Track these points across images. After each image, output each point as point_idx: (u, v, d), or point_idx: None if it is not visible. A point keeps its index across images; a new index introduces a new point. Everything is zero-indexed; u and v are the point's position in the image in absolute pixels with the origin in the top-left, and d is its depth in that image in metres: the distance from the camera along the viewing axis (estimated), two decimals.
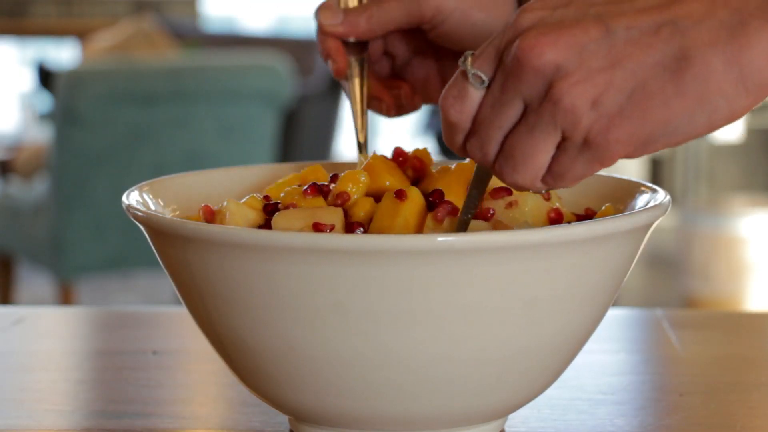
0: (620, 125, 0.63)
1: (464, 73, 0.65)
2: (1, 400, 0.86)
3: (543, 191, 0.67)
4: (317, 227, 0.70)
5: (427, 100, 0.90)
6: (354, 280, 0.65)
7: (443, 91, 0.66)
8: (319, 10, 0.86)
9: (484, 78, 0.65)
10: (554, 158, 0.65)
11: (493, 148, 0.66)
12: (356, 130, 0.85)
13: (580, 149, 0.64)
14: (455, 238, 0.65)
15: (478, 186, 0.71)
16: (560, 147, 0.64)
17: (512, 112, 0.64)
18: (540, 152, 0.64)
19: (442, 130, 0.67)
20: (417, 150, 0.80)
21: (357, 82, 0.86)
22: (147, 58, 3.70)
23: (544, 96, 0.63)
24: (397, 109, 0.90)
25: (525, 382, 0.72)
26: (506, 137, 0.65)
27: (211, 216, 0.76)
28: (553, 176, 0.65)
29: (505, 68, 0.64)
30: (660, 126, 0.63)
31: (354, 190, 0.75)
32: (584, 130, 0.63)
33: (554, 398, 0.82)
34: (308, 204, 0.74)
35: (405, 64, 0.90)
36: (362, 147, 0.85)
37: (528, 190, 0.66)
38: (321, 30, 0.86)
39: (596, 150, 0.63)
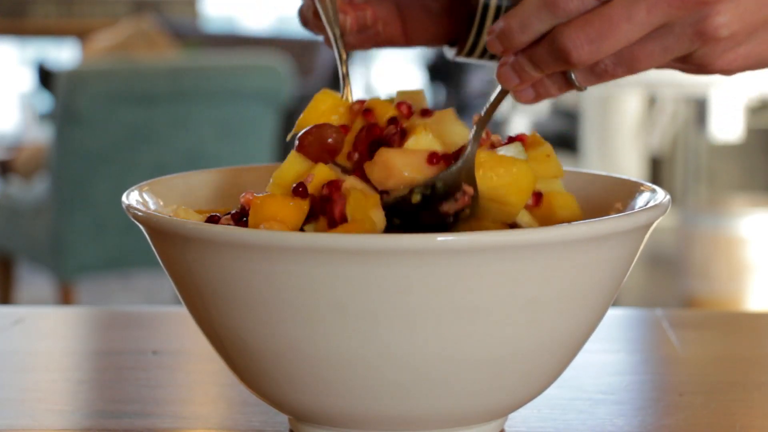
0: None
1: None
2: (1, 400, 0.86)
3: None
4: None
5: (385, 40, 0.87)
6: (354, 280, 0.65)
7: None
8: None
9: None
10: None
11: (609, 49, 0.69)
12: (338, 60, 0.83)
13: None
14: (455, 238, 0.65)
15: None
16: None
17: (649, 30, 0.68)
18: (656, 64, 0.70)
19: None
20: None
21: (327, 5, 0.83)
22: (147, 58, 3.69)
23: (695, 27, 0.68)
24: (359, 32, 0.85)
25: (525, 382, 0.72)
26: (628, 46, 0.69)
27: None
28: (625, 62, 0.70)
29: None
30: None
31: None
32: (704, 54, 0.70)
33: (554, 398, 0.82)
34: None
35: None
36: (345, 78, 0.81)
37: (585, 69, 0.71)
38: None
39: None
